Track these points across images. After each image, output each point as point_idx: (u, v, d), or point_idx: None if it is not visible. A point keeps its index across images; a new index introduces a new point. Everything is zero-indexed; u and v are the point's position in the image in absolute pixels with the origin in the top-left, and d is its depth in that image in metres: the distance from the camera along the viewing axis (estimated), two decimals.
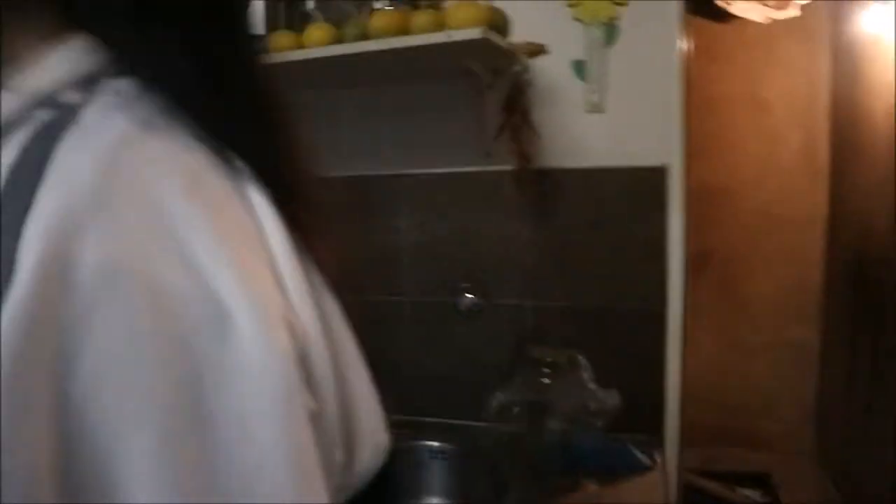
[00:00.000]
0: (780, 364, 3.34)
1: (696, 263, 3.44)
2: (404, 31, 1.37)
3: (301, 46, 1.49)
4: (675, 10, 1.58)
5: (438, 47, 1.33)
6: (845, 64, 3.00)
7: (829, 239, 3.22)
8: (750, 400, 3.35)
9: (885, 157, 2.58)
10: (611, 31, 1.61)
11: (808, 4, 3.03)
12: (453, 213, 1.74)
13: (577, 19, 1.63)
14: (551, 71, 1.64)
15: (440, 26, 1.35)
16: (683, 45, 1.59)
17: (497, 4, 1.52)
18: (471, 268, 1.73)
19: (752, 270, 3.36)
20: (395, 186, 1.79)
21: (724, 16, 3.15)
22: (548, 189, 1.64)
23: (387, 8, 1.48)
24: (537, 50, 1.63)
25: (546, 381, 1.49)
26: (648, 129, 1.60)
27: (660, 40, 1.59)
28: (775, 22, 3.11)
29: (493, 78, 1.59)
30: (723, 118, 3.32)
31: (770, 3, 3.01)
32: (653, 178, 1.59)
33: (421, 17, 1.35)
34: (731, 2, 3.04)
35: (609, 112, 1.62)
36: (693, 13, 3.42)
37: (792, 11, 2.99)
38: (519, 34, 1.60)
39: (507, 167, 1.61)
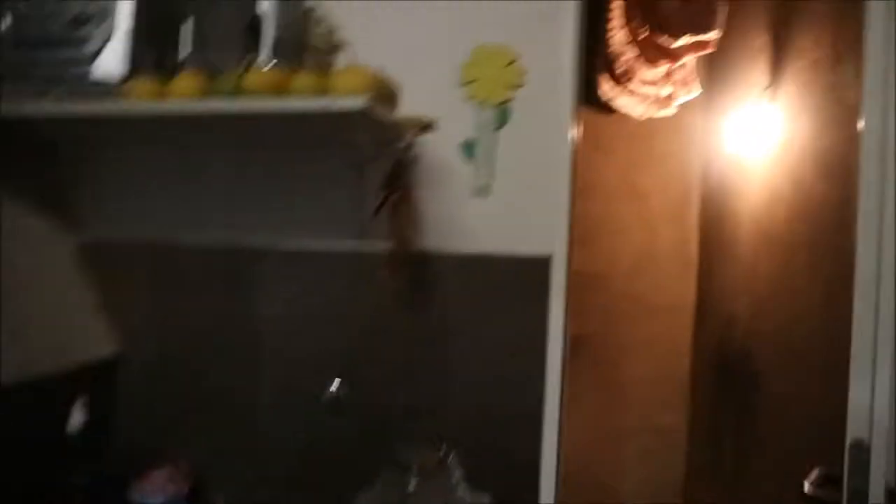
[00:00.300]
0: (649, 449, 3.37)
1: (572, 348, 3.46)
2: (283, 92, 1.26)
3: (165, 97, 1.34)
4: (567, 97, 1.57)
5: (319, 114, 1.22)
6: (714, 163, 3.16)
7: (696, 328, 3.32)
8: (620, 485, 3.34)
9: (747, 255, 2.71)
10: (503, 113, 1.57)
11: (685, 103, 3.20)
12: (323, 294, 1.61)
13: (470, 98, 1.58)
14: (439, 149, 1.58)
15: (323, 91, 1.24)
16: (574, 133, 1.57)
17: (388, 75, 1.44)
18: (338, 355, 1.59)
19: (626, 356, 3.41)
20: (260, 261, 1.64)
21: (606, 108, 3.27)
22: (427, 274, 1.55)
23: (268, 65, 1.36)
24: (426, 126, 1.56)
25: (412, 484, 1.35)
26: (534, 216, 1.55)
27: (551, 127, 1.56)
28: (654, 118, 3.25)
29: (376, 151, 1.50)
30: (603, 206, 3.40)
31: (651, 102, 3.14)
32: (536, 268, 1.54)
33: (302, 80, 1.25)
34: (615, 98, 3.16)
35: (495, 196, 1.57)
36: (579, 102, 3.55)
37: (670, 110, 3.15)
38: (408, 108, 1.53)
39: (385, 248, 1.51)
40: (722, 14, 2.42)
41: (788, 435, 2.33)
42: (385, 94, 1.35)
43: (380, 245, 1.53)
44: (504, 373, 1.55)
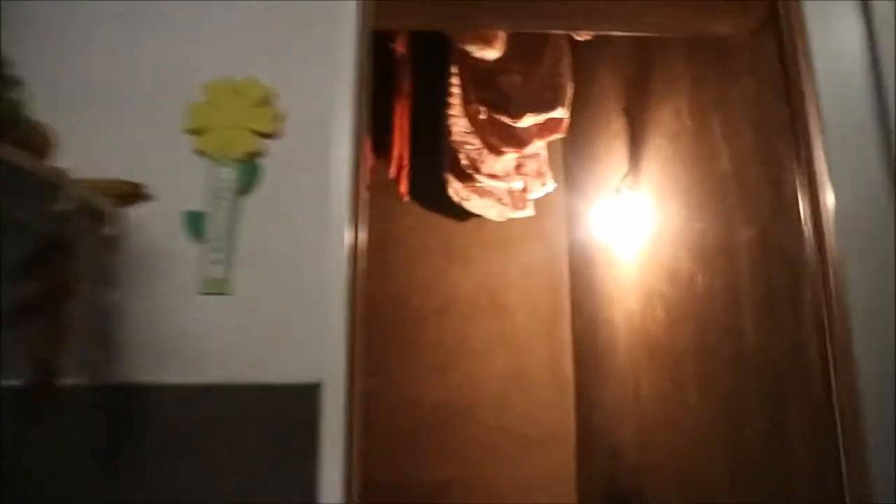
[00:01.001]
0: None
1: (432, 500, 2.85)
2: None
3: None
4: (344, 156, 1.08)
5: None
6: (581, 268, 2.78)
7: (580, 463, 2.80)
8: None
9: (627, 369, 2.27)
10: (249, 173, 1.06)
11: (544, 204, 2.85)
12: None
13: (200, 152, 1.06)
14: (152, 226, 1.04)
15: None
16: (352, 205, 1.07)
17: (65, 119, 0.92)
18: None
19: (501, 500, 2.81)
20: None
21: (461, 214, 2.88)
22: (130, 418, 0.96)
23: None
24: (131, 193, 1.02)
25: None
26: (297, 326, 1.01)
27: (322, 195, 1.06)
28: (513, 221, 2.88)
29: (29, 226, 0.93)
30: (462, 326, 2.92)
31: (506, 201, 2.78)
32: (300, 401, 0.98)
33: None
34: (467, 199, 2.77)
35: (237, 296, 1.02)
36: (426, 208, 3.17)
37: (527, 211, 2.78)
38: (109, 167, 1.00)
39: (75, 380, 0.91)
40: (568, 91, 2.10)
41: None
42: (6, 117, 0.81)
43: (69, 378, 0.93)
44: None
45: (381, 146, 2.56)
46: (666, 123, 1.95)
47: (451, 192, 2.75)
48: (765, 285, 1.42)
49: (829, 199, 1.14)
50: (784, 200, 1.32)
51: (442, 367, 2.84)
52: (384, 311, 2.81)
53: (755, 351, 1.47)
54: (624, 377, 2.30)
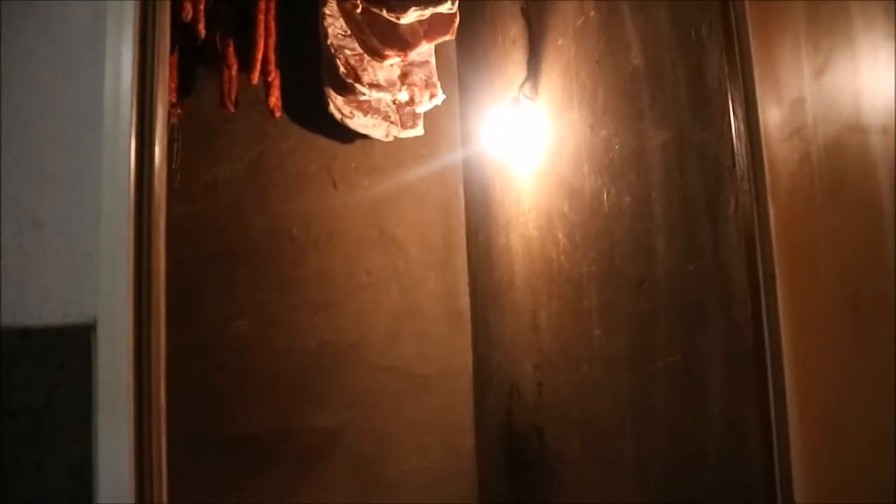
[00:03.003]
0: None
1: (316, 450, 2.62)
2: None
3: None
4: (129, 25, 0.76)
5: None
6: (477, 192, 2.55)
7: (477, 403, 2.63)
8: None
9: (525, 301, 2.08)
10: None
11: (437, 124, 2.59)
12: None
13: None
14: None
15: None
16: (145, 94, 0.76)
17: None
18: None
19: (392, 447, 2.61)
20: None
21: (345, 135, 2.57)
22: None
23: None
24: None
25: None
26: (56, 251, 0.71)
27: (94, 63, 0.74)
28: (403, 143, 2.60)
29: None
30: (348, 259, 2.64)
31: (393, 119, 2.49)
32: (65, 349, 0.69)
33: None
34: (350, 117, 2.46)
35: None
36: (307, 129, 2.83)
37: (417, 130, 2.51)
38: None
39: None
40: None
41: None
42: None
43: None
44: None
45: (249, 56, 2.19)
46: (568, 20, 1.70)
47: (332, 108, 2.43)
48: (680, 197, 1.23)
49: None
50: (706, 92, 1.12)
51: (326, 305, 2.57)
52: (258, 245, 2.50)
53: (667, 273, 1.29)
54: (522, 309, 2.11)
